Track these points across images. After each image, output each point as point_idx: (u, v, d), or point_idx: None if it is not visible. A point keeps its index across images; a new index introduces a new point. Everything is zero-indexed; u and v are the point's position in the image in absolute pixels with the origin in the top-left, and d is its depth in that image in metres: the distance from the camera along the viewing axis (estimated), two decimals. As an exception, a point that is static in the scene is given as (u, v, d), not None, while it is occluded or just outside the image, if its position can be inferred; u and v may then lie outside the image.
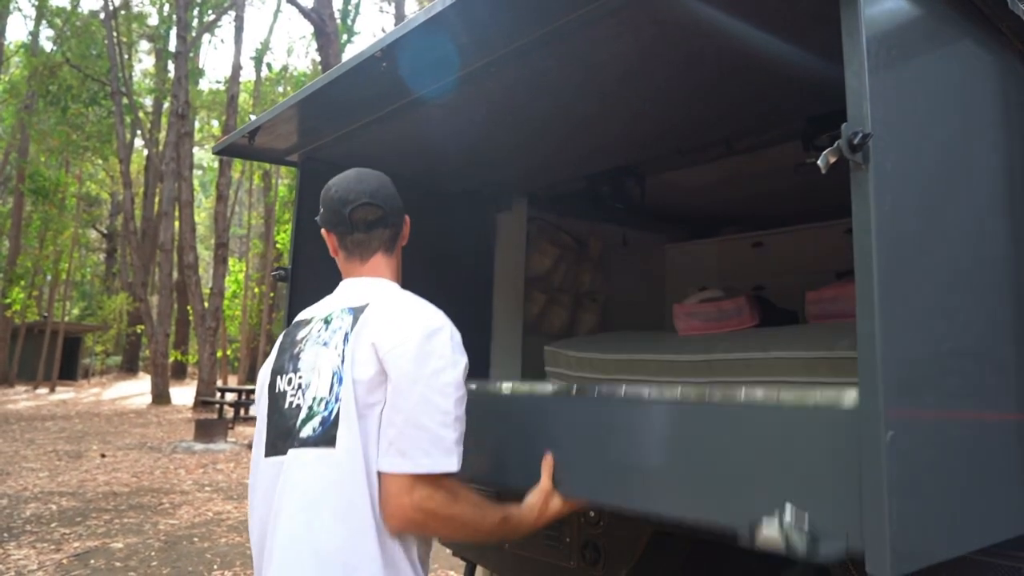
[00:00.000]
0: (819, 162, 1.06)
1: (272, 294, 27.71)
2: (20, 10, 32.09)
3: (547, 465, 1.56)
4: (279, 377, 1.50)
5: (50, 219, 25.86)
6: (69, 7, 26.11)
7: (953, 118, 1.32)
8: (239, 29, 22.60)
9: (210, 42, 36.29)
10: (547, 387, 1.71)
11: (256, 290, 29.98)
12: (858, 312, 1.04)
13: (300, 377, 1.45)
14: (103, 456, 9.99)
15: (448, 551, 3.15)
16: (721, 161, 2.63)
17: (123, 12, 26.42)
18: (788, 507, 1.08)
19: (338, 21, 18.41)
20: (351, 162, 1.83)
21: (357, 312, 1.43)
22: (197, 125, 29.86)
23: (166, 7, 26.94)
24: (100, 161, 28.94)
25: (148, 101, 29.03)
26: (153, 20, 28.76)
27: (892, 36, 1.14)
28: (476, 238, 3.06)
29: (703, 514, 1.26)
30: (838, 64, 1.09)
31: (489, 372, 3.04)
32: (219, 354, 22.41)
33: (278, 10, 50.88)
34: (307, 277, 2.45)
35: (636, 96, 2.02)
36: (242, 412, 14.44)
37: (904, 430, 1.02)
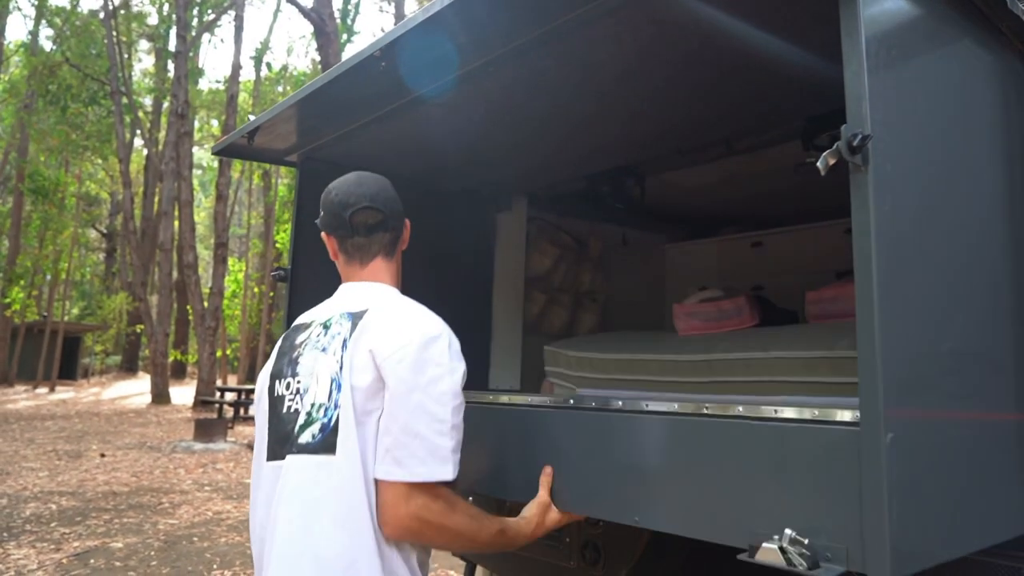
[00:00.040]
0: (819, 164, 1.06)
1: (272, 294, 27.72)
2: (20, 9, 32.12)
3: (545, 478, 1.56)
4: (278, 381, 1.50)
5: (50, 219, 25.86)
6: (69, 6, 26.11)
7: (953, 118, 1.32)
8: (239, 29, 22.61)
9: (210, 42, 36.31)
10: (545, 398, 1.70)
11: (256, 290, 29.98)
12: (858, 312, 1.04)
13: (298, 382, 1.44)
14: (103, 456, 9.99)
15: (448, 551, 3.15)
16: (721, 161, 2.63)
17: (123, 11, 26.41)
18: (787, 532, 1.08)
19: (338, 21, 18.41)
20: (350, 162, 1.84)
21: (356, 318, 1.43)
22: (197, 125, 29.85)
23: (166, 6, 26.92)
24: (100, 161, 28.94)
25: (148, 101, 29.03)
26: (153, 19, 28.79)
27: (892, 36, 1.14)
28: (476, 238, 3.06)
29: (701, 530, 1.26)
30: (838, 64, 1.09)
31: (489, 372, 3.03)
32: (219, 354, 22.41)
33: (278, 10, 50.93)
34: (307, 277, 2.44)
35: (635, 96, 2.02)
36: (242, 412, 14.44)
37: (904, 431, 1.02)
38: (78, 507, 6.66)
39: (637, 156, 2.70)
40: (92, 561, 4.97)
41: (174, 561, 5.03)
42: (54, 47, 25.07)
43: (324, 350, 1.43)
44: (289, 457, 1.40)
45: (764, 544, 1.08)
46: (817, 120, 2.14)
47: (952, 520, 1.17)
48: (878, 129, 1.05)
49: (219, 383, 20.56)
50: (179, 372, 30.53)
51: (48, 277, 29.98)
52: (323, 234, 1.59)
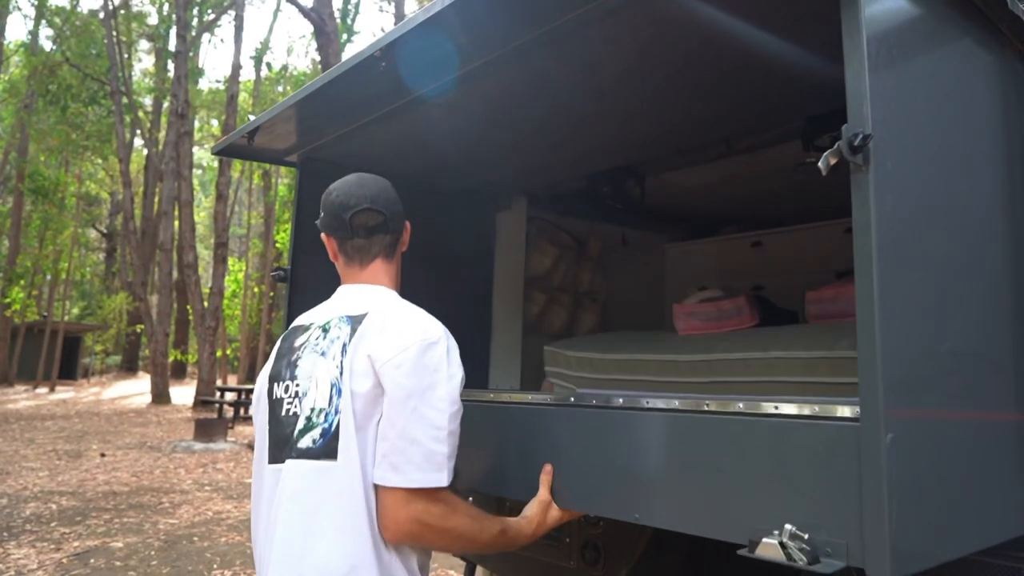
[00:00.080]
0: (820, 164, 1.06)
1: (272, 294, 27.72)
2: (20, 9, 32.10)
3: (546, 476, 1.56)
4: (276, 384, 1.50)
5: (50, 218, 25.86)
6: (68, 6, 26.11)
7: (953, 118, 1.32)
8: (239, 28, 22.60)
9: (210, 41, 36.29)
10: (545, 396, 1.70)
11: (256, 289, 29.98)
12: (858, 312, 1.04)
13: (297, 385, 1.44)
14: (103, 455, 9.99)
15: (448, 551, 3.15)
16: (721, 161, 2.62)
17: (123, 11, 26.41)
18: (787, 527, 1.08)
19: (338, 20, 18.40)
20: (350, 162, 1.83)
21: (355, 322, 1.42)
22: (197, 124, 29.86)
23: (165, 6, 26.91)
24: (100, 160, 28.94)
25: (148, 100, 29.02)
26: (153, 19, 28.78)
27: (892, 36, 1.14)
28: (476, 237, 3.06)
29: (702, 527, 1.26)
30: (838, 64, 1.09)
31: (489, 372, 3.03)
32: (219, 354, 22.41)
33: (278, 9, 50.94)
34: (306, 277, 2.44)
35: (636, 96, 2.02)
36: (242, 412, 14.44)
37: (904, 431, 1.02)
38: (78, 507, 6.66)
39: (637, 156, 2.70)
40: (92, 561, 4.98)
41: (174, 561, 5.03)
42: (54, 47, 25.07)
43: (324, 354, 1.42)
44: (289, 461, 1.40)
45: (764, 539, 1.08)
46: (817, 120, 2.14)
47: (952, 519, 1.17)
48: (879, 129, 1.05)
49: (219, 383, 20.56)
50: (179, 372, 30.53)
51: (48, 277, 29.99)
52: (323, 235, 1.59)
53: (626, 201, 2.99)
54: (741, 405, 1.23)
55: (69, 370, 29.84)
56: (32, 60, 23.80)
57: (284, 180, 27.21)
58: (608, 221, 3.38)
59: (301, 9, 15.60)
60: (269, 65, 31.36)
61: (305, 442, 1.38)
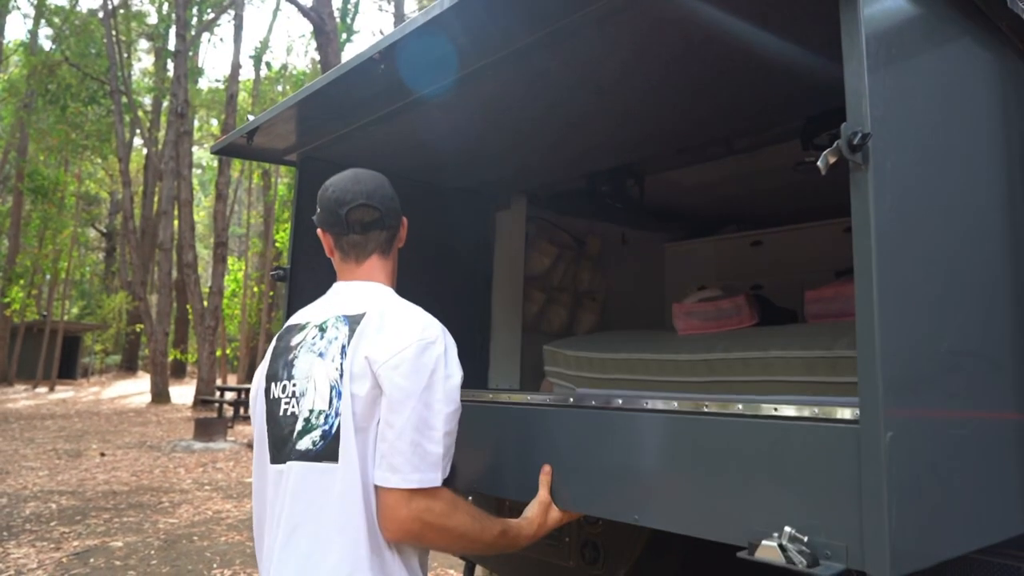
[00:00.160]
0: (819, 163, 1.06)
1: (271, 293, 27.69)
2: (19, 9, 32.07)
3: (545, 477, 1.56)
4: (274, 383, 1.50)
5: (49, 218, 25.85)
6: (68, 6, 26.09)
7: (953, 117, 1.32)
8: (238, 28, 22.61)
9: (209, 41, 36.23)
10: (544, 397, 1.70)
11: (255, 289, 29.95)
12: (857, 311, 1.03)
13: (294, 385, 1.44)
14: (102, 455, 9.99)
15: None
16: (720, 160, 2.63)
17: (122, 11, 26.38)
18: (787, 529, 1.08)
19: (337, 20, 18.39)
20: (350, 161, 1.83)
21: (353, 323, 1.42)
22: (196, 124, 29.85)
23: (165, 6, 26.91)
24: (99, 160, 28.93)
25: (147, 100, 29.01)
26: (152, 19, 28.76)
27: (891, 34, 1.14)
28: (475, 236, 3.05)
29: (701, 528, 1.26)
30: (837, 63, 1.09)
31: (488, 372, 3.03)
32: (218, 353, 22.41)
33: (277, 9, 50.89)
34: (306, 277, 2.44)
35: (635, 95, 2.02)
36: (241, 411, 14.43)
37: (903, 430, 1.02)
38: (78, 506, 6.66)
39: (636, 155, 2.69)
40: (92, 560, 4.98)
41: (174, 560, 5.03)
42: (53, 46, 25.05)
43: (322, 355, 1.42)
44: (289, 463, 1.40)
45: (764, 542, 1.08)
46: (816, 119, 2.14)
47: (952, 518, 1.17)
48: (878, 127, 1.05)
49: (219, 382, 20.57)
50: (179, 371, 30.53)
51: (48, 276, 29.98)
52: (319, 231, 1.58)
53: (625, 200, 2.99)
54: (740, 407, 1.23)
55: (69, 369, 29.83)
56: (31, 59, 23.77)
57: (284, 180, 27.20)
58: (607, 220, 3.38)
59: (301, 8, 15.58)
60: (269, 65, 31.33)
61: (305, 443, 1.38)
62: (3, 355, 26.62)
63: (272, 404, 1.48)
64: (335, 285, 1.58)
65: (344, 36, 22.03)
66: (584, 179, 2.96)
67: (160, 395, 19.22)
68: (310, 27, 16.45)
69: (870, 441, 1.00)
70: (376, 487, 1.33)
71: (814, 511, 1.09)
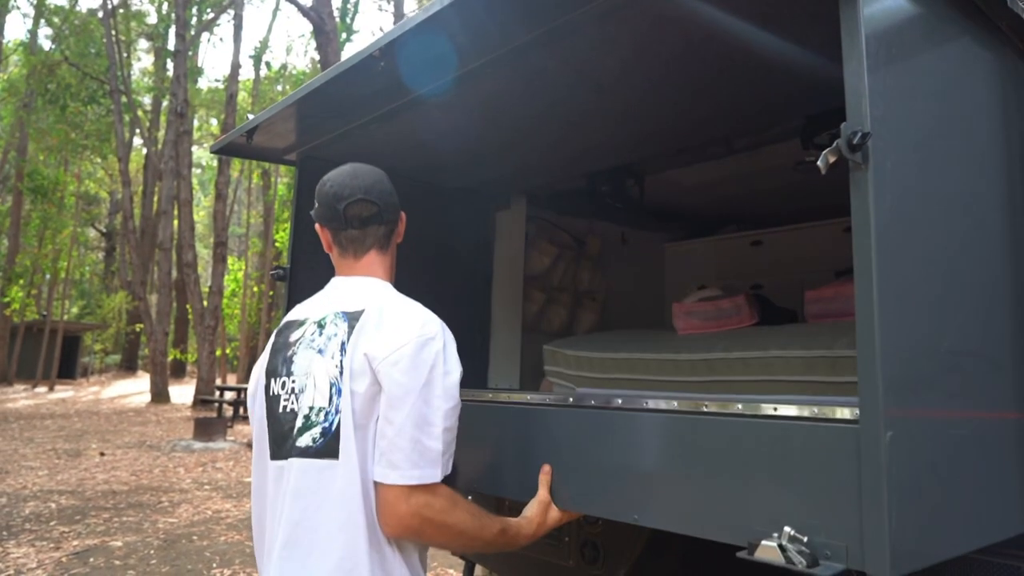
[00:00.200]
0: (819, 162, 1.06)
1: (271, 293, 27.68)
2: (19, 8, 32.06)
3: (545, 476, 1.56)
4: (273, 379, 1.50)
5: (49, 218, 25.84)
6: (68, 5, 26.08)
7: (952, 116, 1.32)
8: (238, 27, 22.61)
9: (209, 40, 36.21)
10: (544, 396, 1.70)
11: (255, 289, 29.95)
12: (857, 311, 1.03)
13: (294, 381, 1.44)
14: (102, 455, 9.99)
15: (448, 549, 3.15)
16: (720, 160, 2.63)
17: (122, 10, 26.37)
18: (787, 529, 1.08)
19: (337, 19, 18.38)
20: (349, 160, 1.82)
21: (352, 320, 1.41)
22: (196, 124, 29.85)
23: (165, 5, 26.90)
24: (99, 160, 28.92)
25: (147, 100, 29.00)
26: (152, 18, 28.74)
27: (891, 34, 1.13)
28: (475, 236, 3.05)
29: (701, 528, 1.26)
30: (837, 62, 1.09)
31: (488, 371, 3.03)
32: (218, 353, 22.40)
33: (277, 8, 50.81)
34: (306, 276, 2.44)
35: (635, 94, 2.02)
36: (241, 411, 14.42)
37: (903, 430, 1.02)
38: (77, 506, 6.66)
39: (636, 155, 2.69)
40: (92, 560, 4.97)
41: (174, 560, 5.03)
42: (53, 46, 25.04)
43: (321, 352, 1.42)
44: (290, 459, 1.40)
45: (763, 542, 1.08)
46: (816, 118, 2.14)
47: (952, 518, 1.17)
48: (878, 127, 1.05)
49: (218, 382, 20.56)
50: (179, 371, 30.53)
51: (47, 276, 29.97)
52: (317, 226, 1.58)
53: (625, 200, 2.99)
54: (740, 406, 1.23)
55: (68, 369, 29.82)
56: (31, 59, 23.77)
57: (283, 179, 27.19)
58: (607, 220, 3.38)
59: (300, 8, 15.58)
60: (268, 64, 31.31)
61: (305, 440, 1.38)
62: (3, 355, 26.61)
63: (271, 400, 1.48)
64: (333, 280, 1.58)
65: (344, 36, 22.03)
66: (584, 179, 2.96)
67: (160, 395, 19.22)
68: (310, 27, 16.44)
69: (870, 441, 1.00)
70: (376, 483, 1.33)
71: (814, 511, 1.09)
